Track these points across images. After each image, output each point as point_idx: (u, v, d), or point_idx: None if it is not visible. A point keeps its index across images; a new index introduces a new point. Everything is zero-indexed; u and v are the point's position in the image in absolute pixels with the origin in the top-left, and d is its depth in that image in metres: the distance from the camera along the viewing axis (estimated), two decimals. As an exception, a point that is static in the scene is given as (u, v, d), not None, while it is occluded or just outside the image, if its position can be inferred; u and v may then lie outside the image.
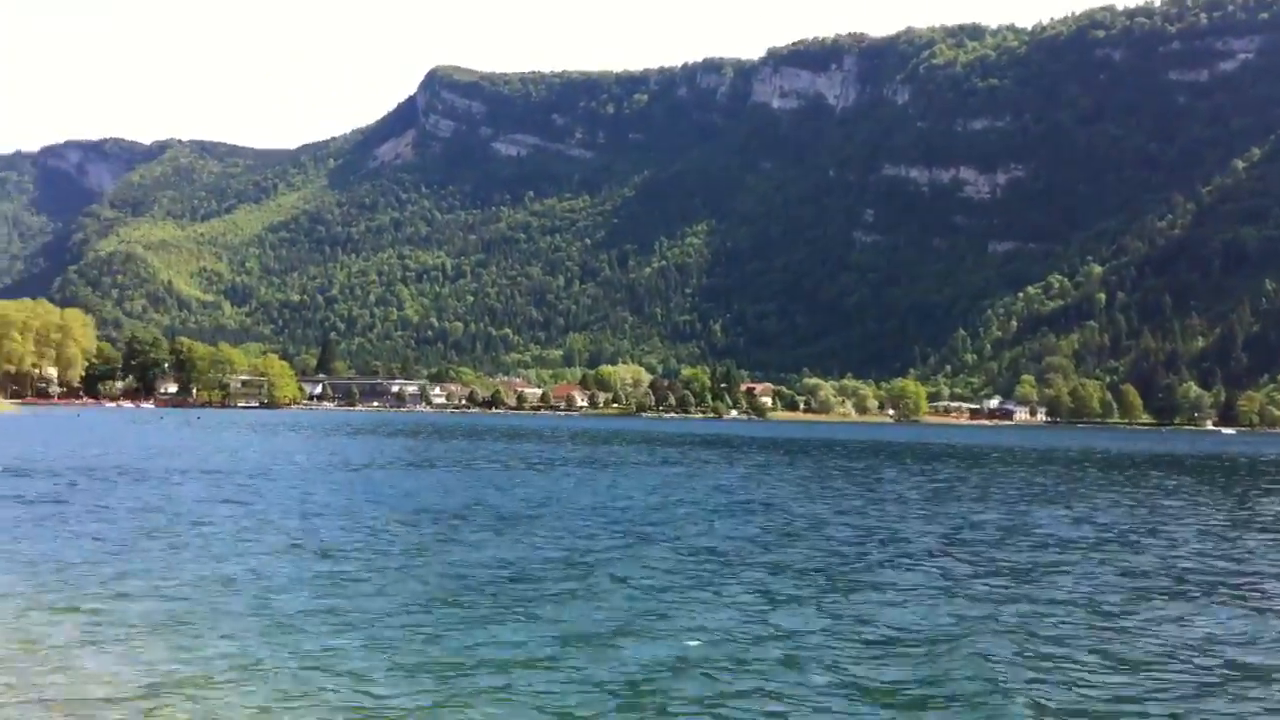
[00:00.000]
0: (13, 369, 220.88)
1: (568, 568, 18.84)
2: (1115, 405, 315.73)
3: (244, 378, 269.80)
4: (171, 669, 11.68)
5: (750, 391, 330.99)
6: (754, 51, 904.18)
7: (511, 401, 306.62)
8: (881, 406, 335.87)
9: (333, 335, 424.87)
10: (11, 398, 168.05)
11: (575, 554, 20.73)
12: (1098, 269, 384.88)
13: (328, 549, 20.88)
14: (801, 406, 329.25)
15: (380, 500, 30.63)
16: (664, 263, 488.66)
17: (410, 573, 17.99)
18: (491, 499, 31.35)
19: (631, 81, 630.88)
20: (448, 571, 18.44)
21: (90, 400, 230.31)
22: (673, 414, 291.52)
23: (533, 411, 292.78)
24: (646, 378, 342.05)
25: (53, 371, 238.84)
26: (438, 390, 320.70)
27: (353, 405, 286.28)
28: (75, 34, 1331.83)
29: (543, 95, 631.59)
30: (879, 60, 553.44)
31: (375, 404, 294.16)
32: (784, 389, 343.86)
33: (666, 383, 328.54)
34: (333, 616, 14.73)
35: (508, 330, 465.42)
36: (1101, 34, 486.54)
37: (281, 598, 16.09)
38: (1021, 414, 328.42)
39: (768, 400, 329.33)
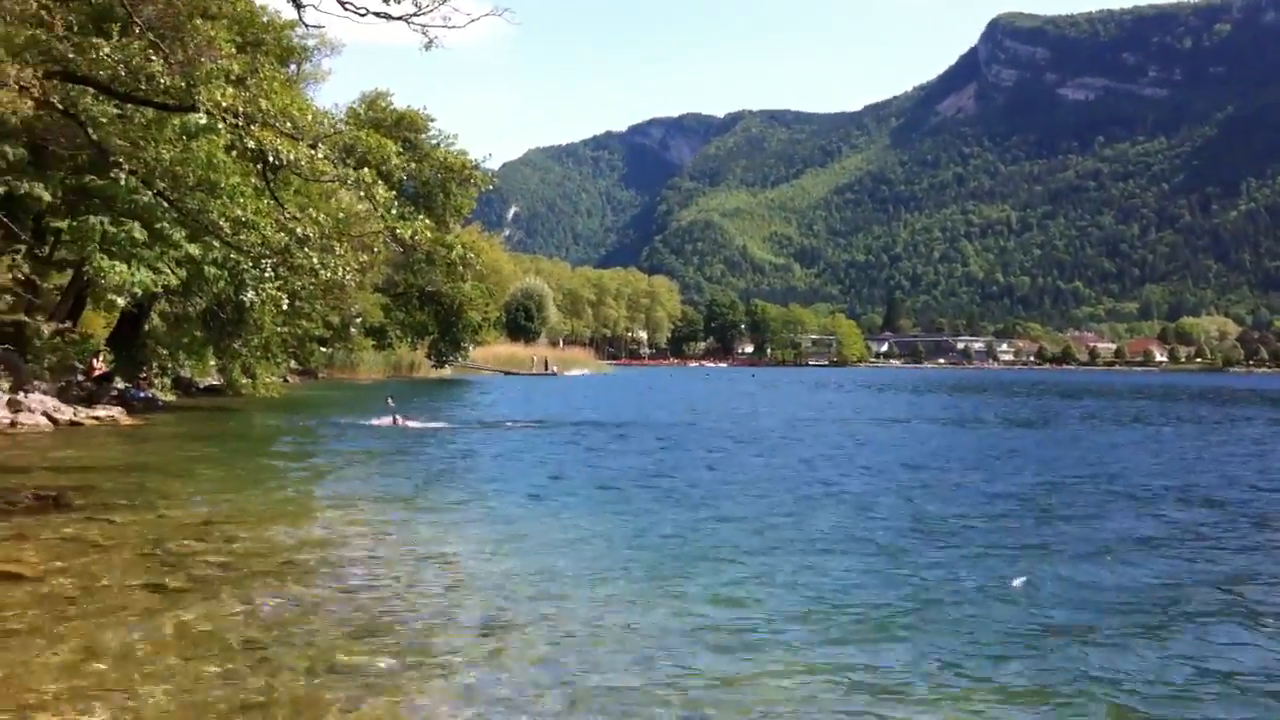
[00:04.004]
0: (609, 332, 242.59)
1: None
2: None
3: (814, 337, 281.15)
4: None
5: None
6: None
7: (1083, 357, 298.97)
8: None
9: (897, 293, 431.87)
10: (607, 359, 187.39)
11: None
12: None
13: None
14: None
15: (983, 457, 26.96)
16: (1253, 205, 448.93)
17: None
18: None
19: (1210, 11, 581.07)
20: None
21: (675, 360, 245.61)
22: (1265, 369, 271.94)
23: (1106, 367, 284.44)
24: (1234, 330, 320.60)
25: (643, 334, 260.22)
26: (1005, 346, 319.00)
27: (918, 362, 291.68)
28: (655, 20, 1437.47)
29: (1112, 34, 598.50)
30: None
31: (941, 361, 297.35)
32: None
33: (1257, 335, 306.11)
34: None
35: (1078, 283, 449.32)
36: None
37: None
38: None
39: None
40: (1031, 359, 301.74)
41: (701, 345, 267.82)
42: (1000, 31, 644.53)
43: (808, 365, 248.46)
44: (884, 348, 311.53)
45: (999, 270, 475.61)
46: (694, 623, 9.64)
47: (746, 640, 9.16)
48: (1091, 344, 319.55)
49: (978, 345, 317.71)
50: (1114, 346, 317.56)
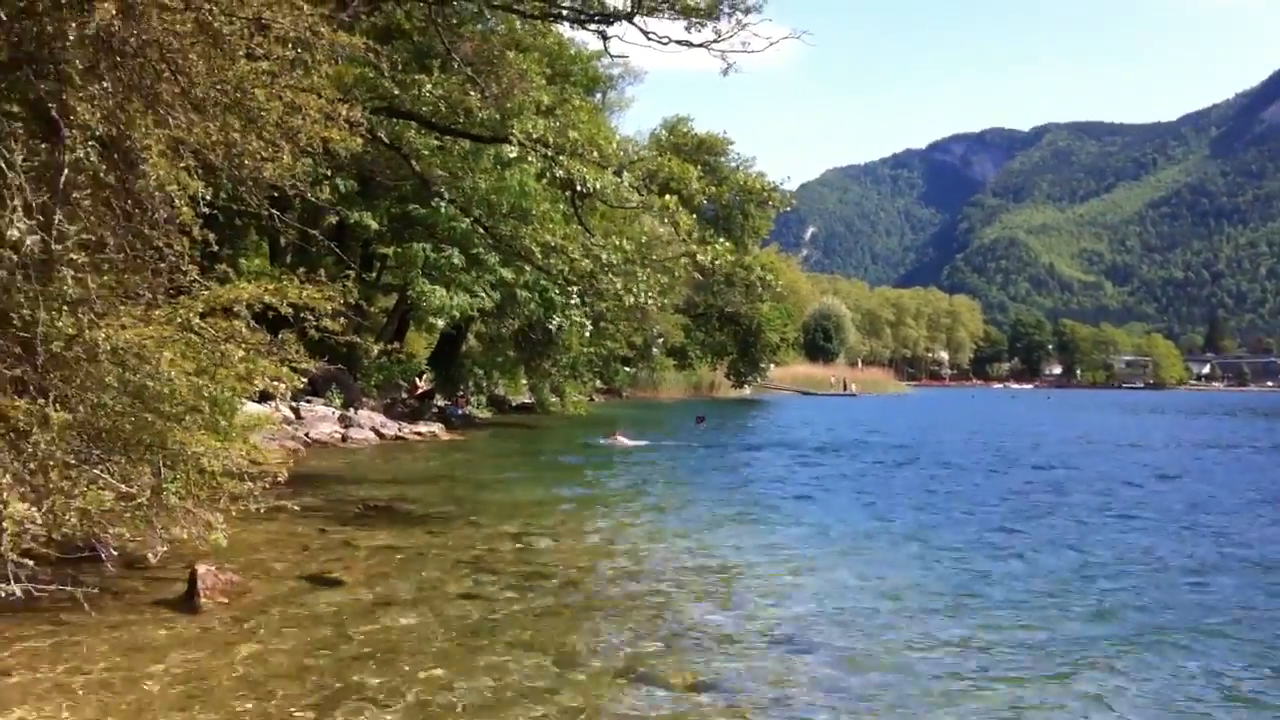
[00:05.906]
0: (908, 353, 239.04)
1: None
2: None
3: (1128, 358, 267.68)
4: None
5: None
6: None
7: None
8: None
9: (1220, 312, 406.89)
10: (906, 379, 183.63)
11: None
12: None
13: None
14: None
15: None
16: None
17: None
18: None
19: None
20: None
21: (978, 381, 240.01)
22: None
23: None
24: None
25: (944, 355, 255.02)
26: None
27: (1243, 385, 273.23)
28: (955, 34, 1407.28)
29: None
30: None
31: (1269, 383, 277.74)
32: None
33: None
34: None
35: None
36: None
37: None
38: None
39: None
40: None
41: (1005, 366, 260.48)
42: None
43: (1120, 388, 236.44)
44: (1205, 369, 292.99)
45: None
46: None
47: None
48: None
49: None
50: None
